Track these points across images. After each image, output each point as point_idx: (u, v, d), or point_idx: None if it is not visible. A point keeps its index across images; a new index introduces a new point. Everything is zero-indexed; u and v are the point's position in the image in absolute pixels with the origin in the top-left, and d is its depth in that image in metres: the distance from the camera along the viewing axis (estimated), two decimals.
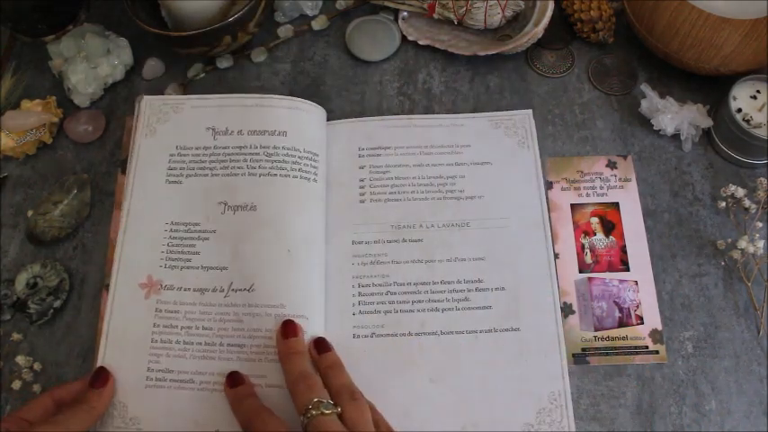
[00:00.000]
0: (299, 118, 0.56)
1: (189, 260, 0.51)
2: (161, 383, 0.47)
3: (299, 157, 0.54)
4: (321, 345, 0.47)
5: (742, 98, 0.56)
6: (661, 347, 0.50)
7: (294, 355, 0.46)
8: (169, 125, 0.56)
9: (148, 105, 0.57)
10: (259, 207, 0.52)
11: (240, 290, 0.49)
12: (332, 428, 0.40)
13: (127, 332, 0.49)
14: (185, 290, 0.50)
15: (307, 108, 0.57)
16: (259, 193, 0.52)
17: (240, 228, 0.51)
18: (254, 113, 0.56)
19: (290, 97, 0.57)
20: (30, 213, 0.56)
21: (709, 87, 0.60)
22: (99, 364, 0.48)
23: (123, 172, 0.57)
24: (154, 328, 0.48)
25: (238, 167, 0.54)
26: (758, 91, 0.56)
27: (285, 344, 0.46)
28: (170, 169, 0.54)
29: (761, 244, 0.51)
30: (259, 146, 0.54)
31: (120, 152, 0.59)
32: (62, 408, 0.44)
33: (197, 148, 0.55)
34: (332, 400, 0.42)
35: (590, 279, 0.53)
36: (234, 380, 0.46)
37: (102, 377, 0.46)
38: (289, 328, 0.47)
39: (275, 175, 0.53)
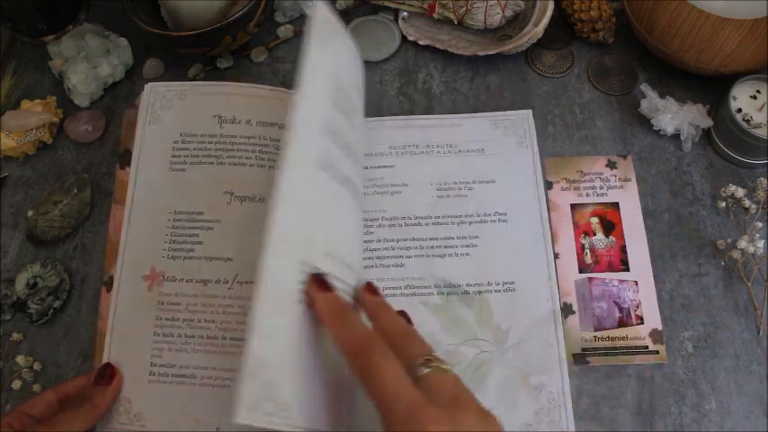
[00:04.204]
0: None
1: (192, 250, 0.50)
2: (164, 379, 0.46)
3: None
4: (407, 316, 0.43)
5: (742, 98, 0.56)
6: (661, 347, 0.50)
7: (390, 309, 0.41)
8: (173, 112, 0.55)
9: (152, 92, 0.56)
10: (267, 199, 0.51)
11: (247, 282, 0.48)
12: (452, 385, 0.35)
13: (131, 326, 0.48)
14: (187, 281, 0.49)
15: None
16: (268, 186, 0.52)
17: (247, 219, 0.50)
18: (264, 104, 0.55)
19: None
20: (30, 213, 0.56)
21: (710, 87, 0.60)
22: (104, 360, 0.47)
23: (122, 166, 0.57)
24: (156, 321, 0.48)
25: (246, 158, 0.53)
26: (758, 91, 0.56)
27: (376, 298, 0.42)
28: (174, 157, 0.53)
29: (761, 244, 0.51)
30: (269, 138, 0.53)
31: (119, 148, 0.59)
32: (65, 405, 0.44)
33: (202, 136, 0.54)
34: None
35: (590, 279, 0.53)
36: (324, 284, 0.40)
37: (107, 374, 0.45)
38: (373, 286, 0.43)
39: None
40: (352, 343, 0.37)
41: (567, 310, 0.52)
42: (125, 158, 0.56)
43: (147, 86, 0.56)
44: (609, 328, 0.51)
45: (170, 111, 0.55)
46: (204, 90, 0.56)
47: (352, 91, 0.50)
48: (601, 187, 0.56)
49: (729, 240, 0.53)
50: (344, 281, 0.43)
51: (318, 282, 0.40)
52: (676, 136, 0.58)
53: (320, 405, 0.39)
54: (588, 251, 0.54)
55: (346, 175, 0.46)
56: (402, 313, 0.44)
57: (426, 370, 0.36)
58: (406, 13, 0.65)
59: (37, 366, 0.50)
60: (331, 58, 0.47)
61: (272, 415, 0.36)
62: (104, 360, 0.47)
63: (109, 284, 0.52)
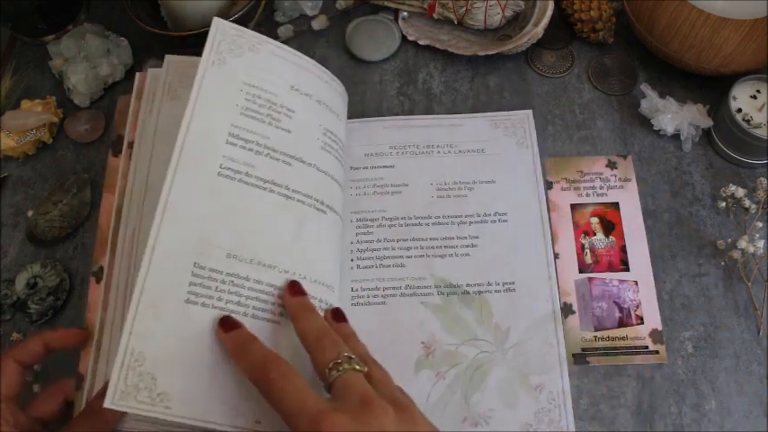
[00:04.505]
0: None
1: None
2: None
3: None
4: (339, 314, 0.45)
5: (742, 98, 0.56)
6: (661, 347, 0.50)
7: (310, 311, 0.43)
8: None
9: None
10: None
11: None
12: (362, 386, 0.36)
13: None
14: None
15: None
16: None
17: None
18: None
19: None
20: (30, 213, 0.56)
21: (710, 87, 0.60)
22: (100, 355, 0.44)
23: (115, 154, 0.55)
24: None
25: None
26: (758, 91, 0.56)
27: (298, 300, 0.43)
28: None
29: (761, 244, 0.51)
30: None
31: (113, 135, 0.58)
32: (65, 399, 0.43)
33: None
34: None
35: (590, 279, 0.53)
36: (229, 324, 0.41)
37: None
38: (297, 287, 0.44)
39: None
40: (252, 369, 0.38)
41: (567, 310, 0.52)
42: (118, 145, 0.55)
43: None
44: (609, 328, 0.51)
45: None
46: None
47: (287, 98, 0.50)
48: (601, 187, 0.56)
49: (729, 240, 0.53)
50: (261, 280, 0.44)
51: (224, 323, 0.41)
52: (676, 136, 0.58)
53: (215, 400, 0.40)
54: (588, 251, 0.54)
55: (268, 179, 0.47)
56: (335, 312, 0.45)
57: (336, 374, 0.36)
58: (406, 13, 0.65)
59: (37, 366, 0.50)
60: (241, 69, 0.48)
61: (149, 404, 0.38)
62: (100, 355, 0.44)
63: (99, 275, 0.52)
